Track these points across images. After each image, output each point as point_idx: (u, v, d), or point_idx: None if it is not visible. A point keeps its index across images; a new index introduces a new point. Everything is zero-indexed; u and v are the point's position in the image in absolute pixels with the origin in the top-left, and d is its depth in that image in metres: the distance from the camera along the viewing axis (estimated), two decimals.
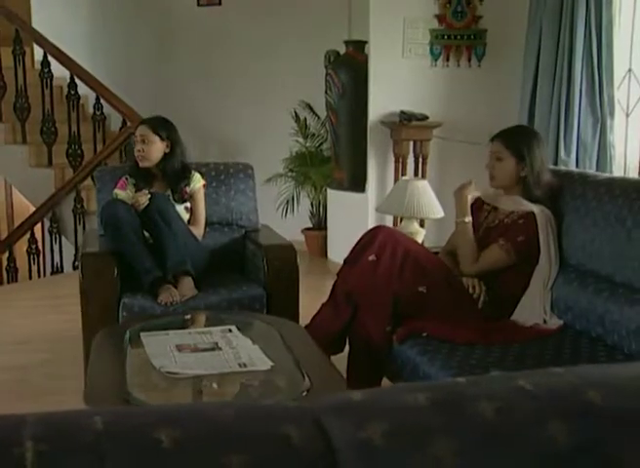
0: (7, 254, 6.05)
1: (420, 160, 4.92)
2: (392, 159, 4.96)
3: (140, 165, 3.51)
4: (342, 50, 5.23)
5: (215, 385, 2.14)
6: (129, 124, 5.51)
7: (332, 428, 0.62)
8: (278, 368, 2.27)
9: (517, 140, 2.93)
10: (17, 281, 6.15)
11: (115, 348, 2.47)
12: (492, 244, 2.87)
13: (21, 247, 6.18)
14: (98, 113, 5.69)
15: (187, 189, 3.56)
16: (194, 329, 2.59)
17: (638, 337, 2.30)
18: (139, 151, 3.49)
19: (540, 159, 2.90)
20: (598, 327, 2.51)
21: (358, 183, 5.12)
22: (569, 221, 2.75)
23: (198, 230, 3.57)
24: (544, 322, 2.70)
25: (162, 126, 3.56)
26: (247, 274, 3.66)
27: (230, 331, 2.57)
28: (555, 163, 4.43)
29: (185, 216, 3.54)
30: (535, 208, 2.84)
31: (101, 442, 0.56)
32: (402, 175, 4.82)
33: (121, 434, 0.57)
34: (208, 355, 2.35)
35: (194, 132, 6.24)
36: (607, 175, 3.19)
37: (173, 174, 3.54)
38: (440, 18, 4.92)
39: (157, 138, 3.49)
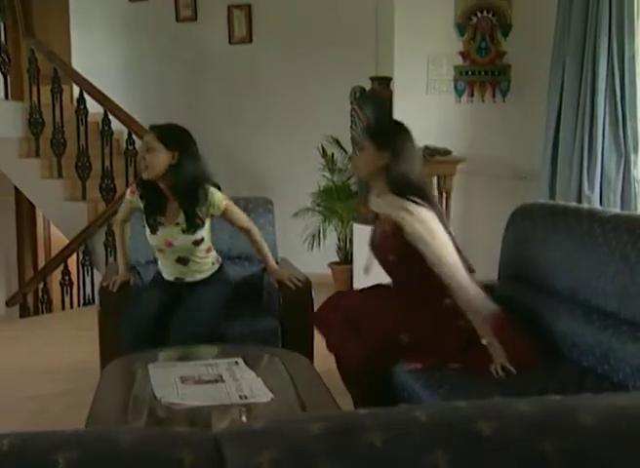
0: (42, 285, 6.20)
1: (444, 195, 4.94)
2: None
3: (143, 176, 3.13)
4: (368, 86, 5.30)
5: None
6: None
7: (229, 453, 0.65)
8: (278, 400, 2.29)
9: (383, 130, 2.93)
10: (50, 311, 6.30)
11: (123, 378, 2.52)
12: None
13: (56, 278, 6.33)
14: (130, 148, 5.83)
15: (205, 214, 3.20)
16: (201, 361, 2.63)
17: None
18: (142, 160, 3.12)
19: (407, 155, 2.83)
20: (604, 363, 2.48)
21: None
22: (576, 258, 2.74)
23: (259, 235, 3.47)
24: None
25: (170, 133, 3.14)
26: (265, 307, 3.70)
27: (236, 363, 2.60)
28: (579, 199, 4.42)
29: (195, 248, 3.25)
30: (404, 213, 2.73)
31: (4, 463, 0.60)
32: None
33: (21, 456, 0.61)
34: (210, 387, 2.38)
35: (225, 166, 6.35)
36: (615, 211, 3.17)
37: (183, 192, 3.13)
38: (464, 54, 4.98)
39: (162, 147, 3.08)
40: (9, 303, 6.30)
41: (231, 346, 2.95)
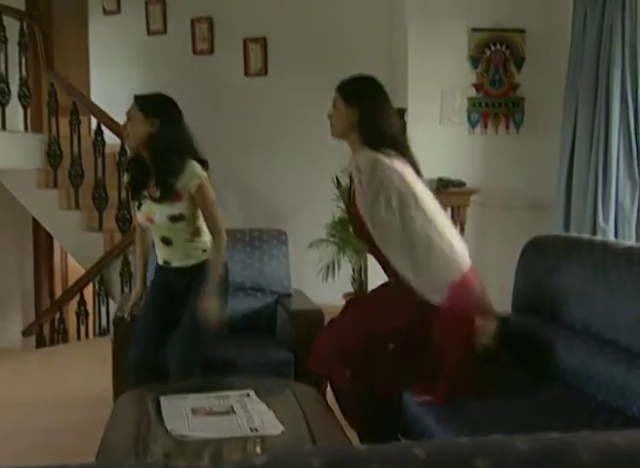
0: (58, 315, 6.23)
1: (458, 226, 4.93)
2: None
3: (126, 146, 3.23)
4: None
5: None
6: None
7: None
8: (289, 433, 2.28)
9: (350, 86, 2.87)
10: (66, 341, 6.32)
11: (134, 410, 2.52)
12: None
13: (72, 308, 6.36)
14: None
15: (183, 188, 3.06)
16: (213, 393, 2.63)
17: None
18: (124, 130, 3.13)
19: (379, 108, 2.80)
20: (618, 398, 2.45)
21: None
22: (589, 290, 2.73)
23: (216, 240, 3.14)
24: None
25: (149, 102, 3.11)
26: (278, 339, 3.70)
27: (248, 395, 2.60)
28: (594, 230, 4.40)
29: (174, 226, 3.11)
30: (360, 158, 2.70)
31: None
32: None
33: None
34: (221, 419, 2.38)
35: (240, 198, 6.42)
36: (628, 243, 3.15)
37: (159, 159, 3.04)
38: (477, 86, 5.01)
39: (140, 115, 3.04)
40: (25, 333, 6.33)
41: (243, 378, 2.95)
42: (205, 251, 3.23)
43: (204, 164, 3.17)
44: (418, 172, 2.80)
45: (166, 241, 3.21)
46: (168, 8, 6.64)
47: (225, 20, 6.41)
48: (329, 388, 3.10)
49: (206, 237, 3.22)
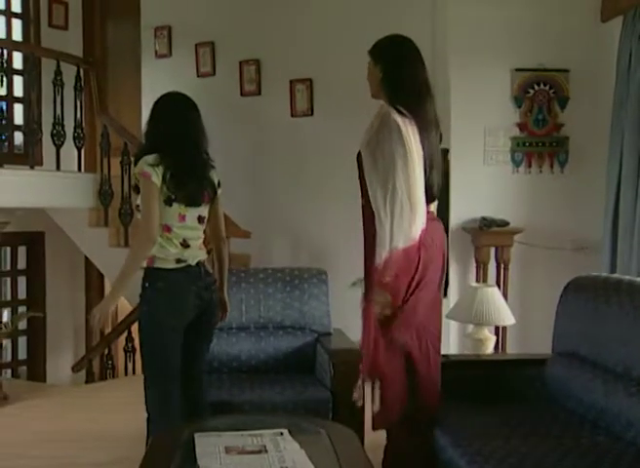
0: (106, 351, 6.34)
1: (502, 266, 4.90)
2: (474, 264, 4.97)
3: None
4: None
5: None
6: None
7: None
8: None
9: (378, 44, 2.96)
10: (114, 377, 6.41)
11: (169, 447, 2.55)
12: None
13: (121, 344, 6.46)
14: None
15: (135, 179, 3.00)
16: (247, 431, 2.64)
17: None
18: None
19: (402, 63, 2.88)
20: None
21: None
22: (629, 333, 2.69)
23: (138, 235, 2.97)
24: None
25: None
26: (317, 378, 3.71)
27: (281, 434, 2.61)
28: None
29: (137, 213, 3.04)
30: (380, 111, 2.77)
31: None
32: (483, 280, 4.81)
33: None
34: (253, 458, 2.40)
35: (285, 237, 6.48)
36: None
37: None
38: (521, 125, 5.00)
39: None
40: (74, 369, 6.43)
41: (279, 417, 2.96)
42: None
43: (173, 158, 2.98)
44: (428, 127, 2.84)
45: None
46: (217, 51, 6.81)
47: (272, 62, 6.54)
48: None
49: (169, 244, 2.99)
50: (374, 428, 2.96)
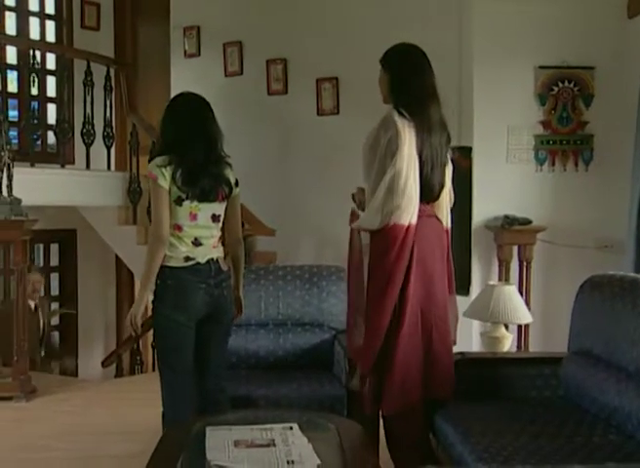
0: (135, 346, 6.45)
1: (525, 264, 4.88)
2: (497, 263, 4.96)
3: None
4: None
5: None
6: (246, 226, 5.85)
7: None
8: (325, 466, 2.32)
9: (386, 53, 3.13)
10: (142, 372, 6.52)
11: (180, 440, 2.61)
12: None
13: (150, 339, 6.56)
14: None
15: None
16: (257, 425, 2.68)
17: None
18: None
19: (407, 70, 3.06)
20: None
21: (462, 286, 5.11)
22: (632, 331, 2.67)
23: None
24: None
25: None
26: (334, 375, 3.74)
27: (291, 428, 2.65)
28: None
29: None
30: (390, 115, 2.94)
31: None
32: (505, 279, 4.80)
33: None
34: (261, 451, 2.44)
35: (312, 235, 6.51)
36: None
37: None
38: (545, 123, 4.97)
39: None
40: (104, 364, 6.56)
41: (291, 411, 3.00)
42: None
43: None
44: (431, 129, 3.01)
45: None
46: (244, 50, 6.87)
47: (299, 61, 6.58)
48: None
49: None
50: (385, 413, 3.05)
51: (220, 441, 2.52)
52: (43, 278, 7.06)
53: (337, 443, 2.56)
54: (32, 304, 6.44)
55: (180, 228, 3.03)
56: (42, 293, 7.12)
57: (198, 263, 3.05)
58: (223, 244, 3.25)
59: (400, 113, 2.95)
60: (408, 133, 2.92)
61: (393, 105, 3.02)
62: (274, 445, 2.49)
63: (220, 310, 3.14)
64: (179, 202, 3.01)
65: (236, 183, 3.21)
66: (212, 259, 3.10)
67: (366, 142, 3.05)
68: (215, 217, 3.11)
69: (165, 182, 2.97)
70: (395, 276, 2.92)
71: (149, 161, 3.13)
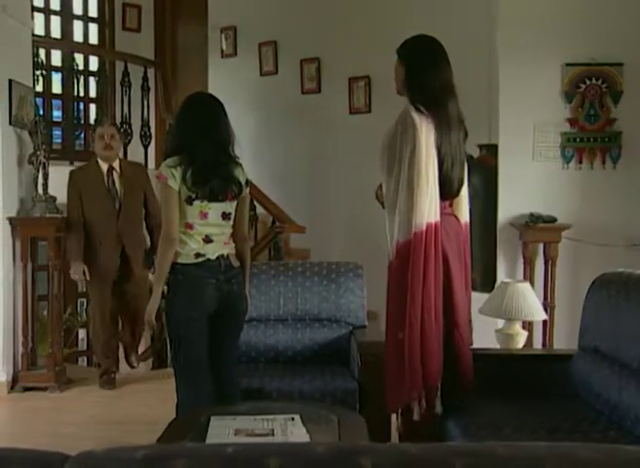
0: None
1: (550, 262, 4.86)
2: (522, 260, 4.95)
3: None
4: (476, 153, 5.34)
5: None
6: (277, 223, 5.94)
7: None
8: None
9: (403, 45, 3.04)
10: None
11: (185, 428, 2.70)
12: None
13: None
14: (251, 213, 6.16)
15: None
16: (260, 416, 2.76)
17: None
18: None
19: (424, 62, 2.98)
20: None
21: (488, 284, 5.11)
22: (636, 328, 2.67)
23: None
24: None
25: None
26: (349, 369, 3.80)
27: (292, 419, 2.72)
28: None
29: None
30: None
31: None
32: (530, 277, 4.79)
33: None
34: (259, 440, 2.51)
35: (345, 232, 6.58)
36: None
37: None
38: (572, 121, 4.94)
39: None
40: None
41: (297, 403, 3.07)
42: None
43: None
44: (449, 125, 2.95)
45: None
46: (279, 50, 6.98)
47: (332, 60, 6.66)
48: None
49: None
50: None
51: (222, 429, 2.61)
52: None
53: (335, 433, 2.62)
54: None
55: (191, 226, 3.12)
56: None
57: (208, 260, 3.14)
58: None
59: (417, 109, 2.89)
60: (426, 129, 2.86)
61: (410, 101, 2.95)
62: (273, 434, 2.56)
63: (230, 306, 3.22)
64: (189, 201, 3.09)
65: (246, 183, 3.28)
66: (222, 256, 3.18)
67: (384, 140, 3.00)
68: (225, 216, 3.20)
69: (175, 183, 3.06)
70: (431, 277, 2.87)
71: (163, 160, 3.23)
